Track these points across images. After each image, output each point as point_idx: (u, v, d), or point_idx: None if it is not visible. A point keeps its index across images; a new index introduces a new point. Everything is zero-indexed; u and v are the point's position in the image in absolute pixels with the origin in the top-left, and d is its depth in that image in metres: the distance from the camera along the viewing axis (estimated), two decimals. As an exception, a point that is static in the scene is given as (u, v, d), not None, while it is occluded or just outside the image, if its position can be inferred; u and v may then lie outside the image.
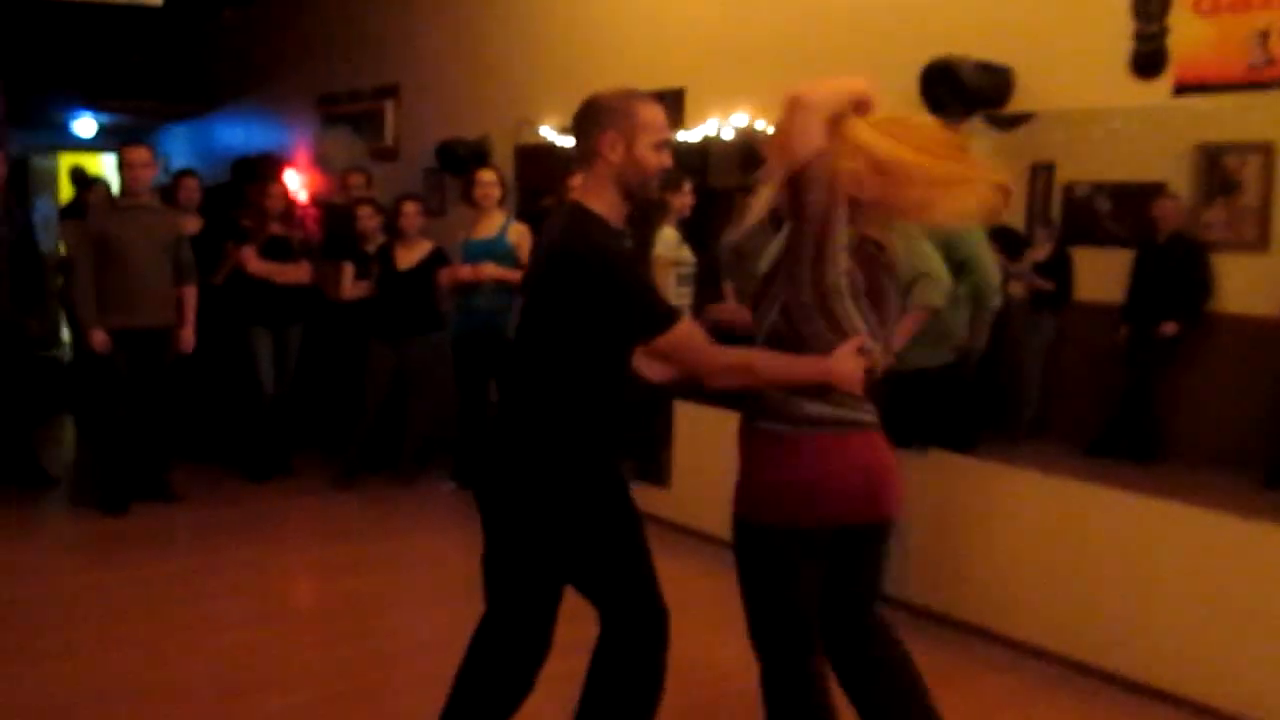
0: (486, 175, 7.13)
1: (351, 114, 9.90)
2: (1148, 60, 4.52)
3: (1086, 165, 5.05)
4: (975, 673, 4.72)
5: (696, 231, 6.22)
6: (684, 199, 6.19)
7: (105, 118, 13.64)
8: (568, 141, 7.24)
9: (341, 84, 10.00)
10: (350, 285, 7.48)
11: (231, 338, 7.40)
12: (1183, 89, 4.45)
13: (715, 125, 6.32)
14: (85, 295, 6.45)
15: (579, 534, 3.06)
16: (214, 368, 7.57)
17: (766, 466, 2.99)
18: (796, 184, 2.83)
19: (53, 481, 7.31)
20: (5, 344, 6.87)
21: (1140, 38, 4.54)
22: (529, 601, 3.17)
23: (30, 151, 13.56)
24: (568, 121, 7.21)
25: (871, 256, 3.03)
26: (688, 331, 2.98)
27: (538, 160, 7.68)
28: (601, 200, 3.03)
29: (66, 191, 12.94)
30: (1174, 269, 4.83)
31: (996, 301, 5.19)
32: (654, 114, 3.06)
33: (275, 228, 7.45)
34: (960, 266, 4.96)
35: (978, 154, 5.02)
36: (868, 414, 3.07)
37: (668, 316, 2.95)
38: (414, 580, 5.78)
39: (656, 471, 6.73)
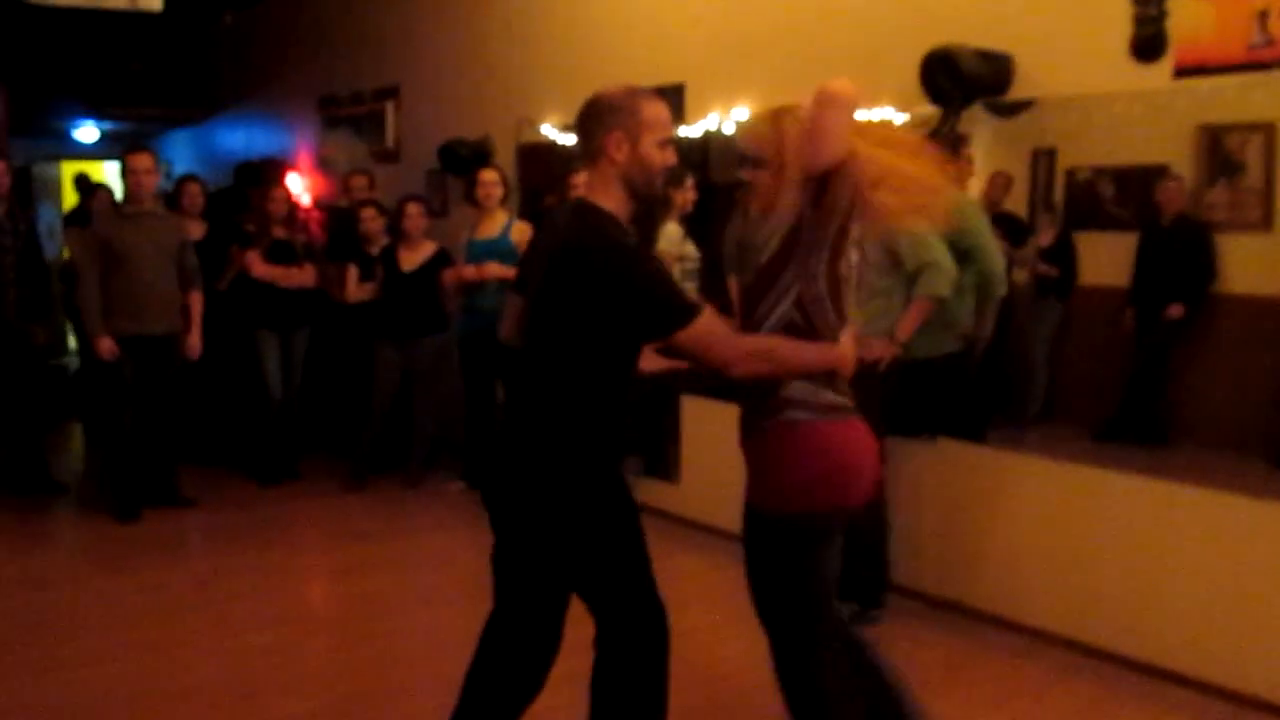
0: (488, 175, 7.14)
1: (353, 116, 9.90)
2: (1148, 44, 4.51)
3: (1088, 150, 5.03)
4: (988, 660, 4.72)
5: (698, 227, 6.22)
6: (686, 195, 6.19)
7: (107, 125, 13.66)
8: (569, 140, 7.26)
9: (342, 86, 10.00)
10: (355, 288, 7.49)
11: (238, 342, 7.41)
12: (1183, 72, 4.44)
13: (716, 120, 6.31)
14: (91, 303, 6.46)
15: (584, 536, 3.05)
16: (221, 372, 7.58)
17: (801, 456, 3.02)
18: (825, 179, 2.88)
19: (62, 489, 7.32)
20: (12, 353, 6.88)
21: (1140, 21, 4.53)
22: (538, 601, 3.18)
23: (33, 159, 13.58)
24: (569, 120, 7.28)
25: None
26: (711, 323, 2.96)
27: (539, 159, 7.68)
28: (609, 198, 3.03)
29: (70, 199, 12.95)
30: (1178, 251, 4.82)
31: (1002, 289, 5.18)
32: (659, 111, 3.05)
33: (279, 231, 7.46)
34: (965, 255, 4.96)
35: (975, 146, 5.08)
36: (853, 400, 3.15)
37: (691, 310, 2.94)
38: (424, 581, 5.79)
39: (664, 467, 6.73)
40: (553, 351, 3.04)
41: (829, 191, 2.90)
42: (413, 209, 7.31)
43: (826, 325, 3.01)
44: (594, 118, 3.05)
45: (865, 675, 3.40)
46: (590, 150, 3.05)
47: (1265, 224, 4.51)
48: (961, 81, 4.90)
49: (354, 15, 9.79)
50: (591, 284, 2.91)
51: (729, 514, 3.34)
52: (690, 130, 6.39)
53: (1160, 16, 4.47)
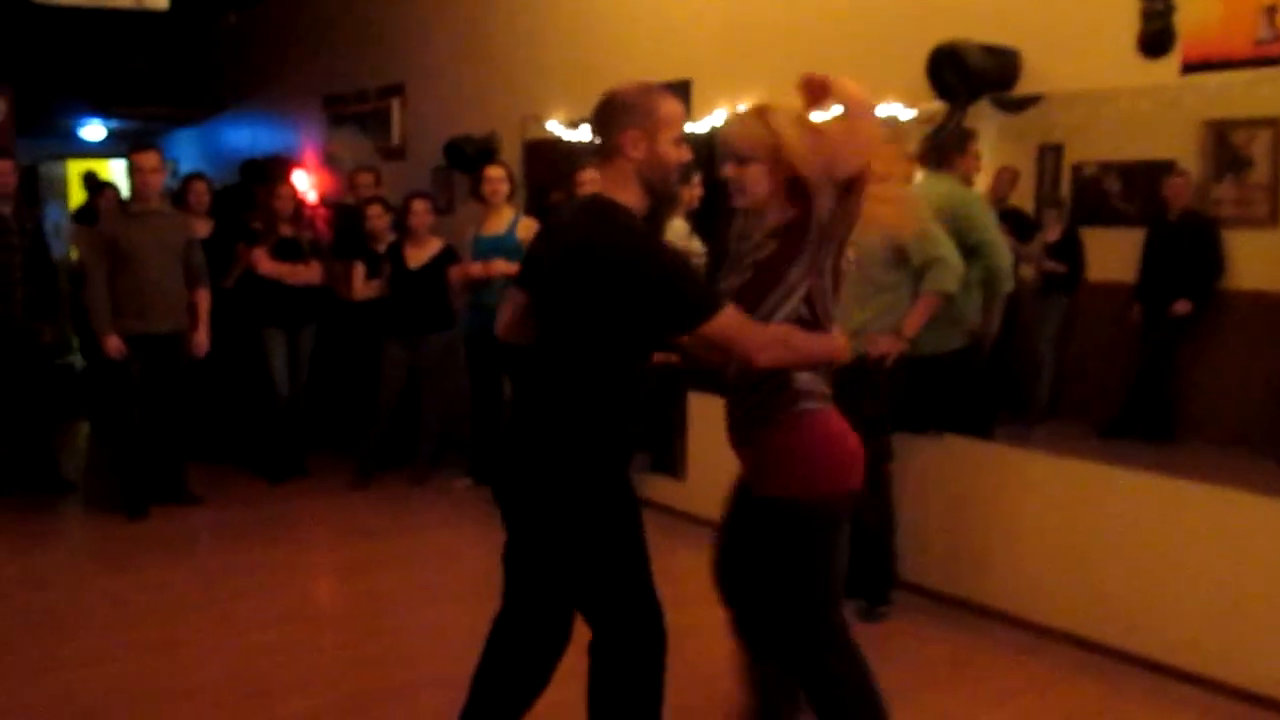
0: (494, 171, 7.14)
1: (358, 114, 9.90)
2: (1155, 39, 4.49)
3: (1095, 145, 5.03)
4: (994, 656, 4.72)
5: (704, 223, 6.22)
6: (693, 191, 6.19)
7: (113, 123, 13.67)
8: (575, 136, 7.26)
9: (347, 84, 10.00)
10: (361, 285, 7.49)
11: (244, 340, 7.42)
12: (1190, 67, 4.42)
13: (723, 116, 6.30)
14: (99, 301, 6.47)
15: (589, 534, 3.03)
16: (228, 370, 7.59)
17: (819, 443, 3.11)
18: (852, 182, 2.98)
19: (70, 487, 7.33)
20: (20, 351, 6.89)
21: (1147, 16, 4.52)
22: (549, 597, 3.18)
23: (39, 158, 13.59)
24: (574, 116, 7.28)
25: None
26: (735, 314, 2.98)
27: (545, 155, 7.67)
28: (626, 195, 3.03)
29: (78, 197, 12.97)
30: (1185, 247, 4.81)
31: (1009, 285, 5.18)
32: (674, 109, 3.07)
33: (285, 229, 7.47)
34: (972, 251, 4.95)
35: (982, 141, 5.09)
36: None
37: (716, 301, 2.96)
38: (431, 578, 5.79)
39: (671, 462, 6.73)
40: (569, 347, 3.04)
41: (853, 193, 2.99)
42: (419, 206, 7.32)
43: (828, 318, 3.09)
44: (610, 115, 3.05)
45: None
46: (606, 147, 3.05)
47: (1272, 219, 4.50)
48: (968, 77, 4.90)
49: (358, 12, 9.79)
50: (616, 279, 2.91)
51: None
52: (697, 127, 6.38)
53: (1167, 11, 4.45)
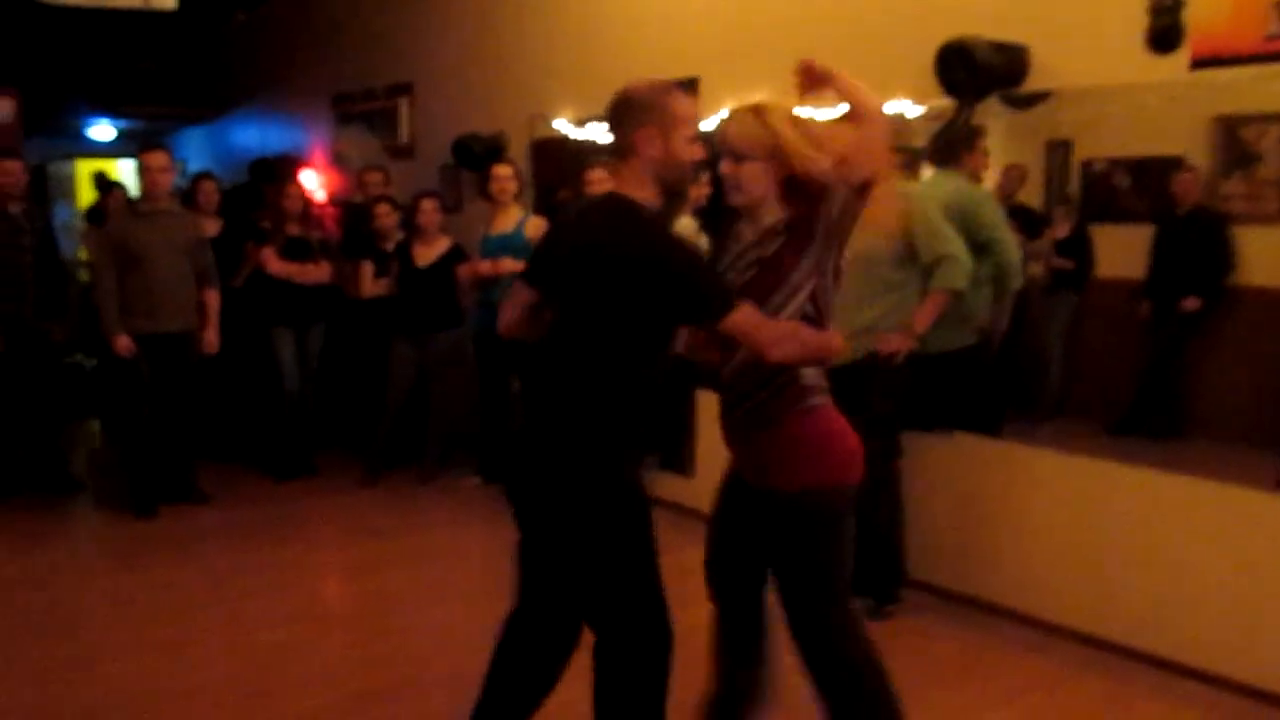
0: (502, 170, 7.14)
1: (366, 112, 9.92)
2: (1163, 34, 4.48)
3: (1104, 142, 5.02)
4: (1003, 654, 4.71)
5: (712, 220, 6.20)
6: (701, 189, 6.19)
7: (122, 123, 13.70)
8: (583, 135, 7.26)
9: (355, 83, 10.01)
10: (370, 283, 7.50)
11: (253, 339, 7.43)
12: (1200, 63, 4.41)
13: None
14: (108, 301, 6.48)
15: (601, 534, 3.03)
16: (237, 369, 7.60)
17: (827, 437, 3.16)
18: (864, 184, 3.07)
19: (79, 486, 7.34)
20: (30, 350, 6.91)
21: (1155, 12, 4.50)
22: (561, 595, 3.17)
23: (49, 158, 13.62)
24: (582, 115, 7.28)
25: None
26: (751, 309, 3.00)
27: (553, 154, 7.68)
28: (640, 192, 3.04)
29: (87, 196, 13.00)
30: (1195, 243, 4.80)
31: (1018, 282, 5.17)
32: (688, 107, 3.09)
33: (294, 228, 7.47)
34: (981, 248, 4.95)
35: (991, 138, 5.09)
36: None
37: (733, 297, 2.99)
38: (439, 576, 5.80)
39: (680, 461, 6.73)
40: (586, 343, 3.04)
41: (863, 195, 3.07)
42: (427, 205, 7.32)
43: (829, 316, 3.15)
44: (626, 113, 3.05)
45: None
46: (622, 145, 3.06)
47: (1282, 215, 4.49)
48: (976, 73, 4.89)
49: (366, 12, 9.79)
50: (638, 274, 2.93)
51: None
52: (705, 125, 6.37)
53: (1176, 7, 4.44)
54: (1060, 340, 5.46)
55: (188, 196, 7.94)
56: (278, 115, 11.64)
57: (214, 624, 5.09)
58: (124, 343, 6.45)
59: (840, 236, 3.11)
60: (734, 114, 3.19)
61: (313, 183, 10.11)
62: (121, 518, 6.66)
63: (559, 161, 7.55)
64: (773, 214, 3.17)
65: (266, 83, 11.72)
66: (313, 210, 8.09)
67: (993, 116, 5.16)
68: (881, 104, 3.14)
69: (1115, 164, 5.03)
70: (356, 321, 7.69)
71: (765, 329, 3.01)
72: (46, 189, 13.11)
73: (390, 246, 7.53)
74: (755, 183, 3.15)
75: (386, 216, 7.61)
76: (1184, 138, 4.74)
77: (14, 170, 6.82)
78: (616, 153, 3.09)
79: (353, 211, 8.58)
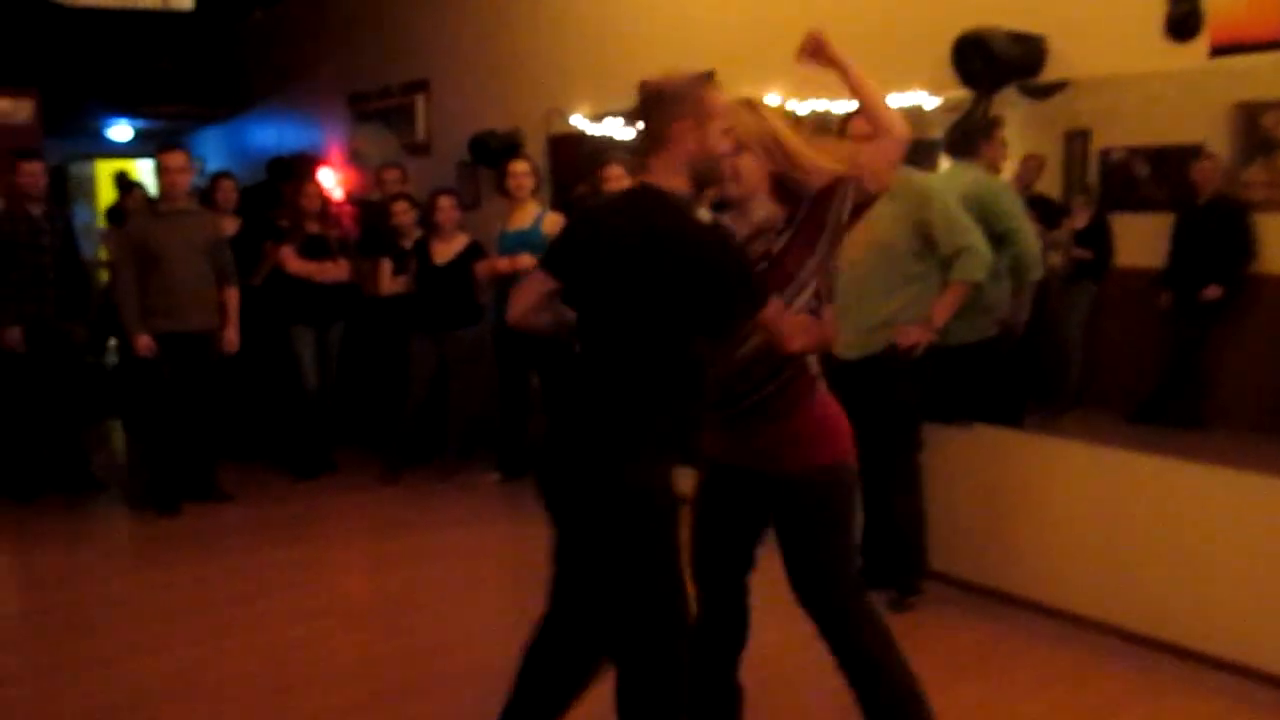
0: (519, 166, 7.14)
1: (383, 110, 9.93)
2: (1182, 22, 4.45)
3: (1123, 130, 4.99)
4: (1028, 646, 4.70)
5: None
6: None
7: (140, 123, 13.75)
8: (599, 130, 7.25)
9: (372, 81, 10.03)
10: (388, 281, 7.51)
11: (273, 337, 7.45)
12: (1219, 50, 4.38)
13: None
14: (129, 301, 6.51)
15: (634, 532, 2.99)
16: (257, 368, 7.62)
17: (832, 417, 3.30)
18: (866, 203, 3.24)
19: (101, 486, 7.38)
20: (52, 351, 6.94)
21: (1174, 0, 4.48)
22: (596, 596, 3.16)
23: (68, 159, 13.68)
24: (599, 110, 7.27)
25: None
26: (776, 302, 3.08)
27: (570, 150, 7.68)
28: (674, 184, 3.04)
29: (107, 196, 13.04)
30: (1215, 231, 4.78)
31: (1038, 273, 5.16)
32: (721, 99, 3.09)
33: (312, 226, 7.49)
34: (1000, 239, 4.93)
35: (1009, 129, 5.07)
36: None
37: (766, 290, 3.06)
38: (461, 572, 5.81)
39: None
40: (629, 338, 3.01)
41: (868, 204, 3.22)
42: (444, 202, 7.33)
43: (826, 305, 3.27)
44: (660, 105, 3.05)
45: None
46: (656, 138, 3.05)
47: (1304, 203, 4.47)
48: (994, 64, 4.88)
49: (382, 9, 9.81)
50: (689, 267, 2.94)
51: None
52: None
53: (1195, -6, 4.42)
54: (1080, 330, 5.43)
55: (206, 196, 7.96)
56: (295, 114, 11.67)
57: (237, 621, 5.11)
58: (145, 342, 6.48)
59: (843, 235, 3.23)
60: (729, 105, 3.21)
61: (330, 181, 10.13)
62: (144, 517, 6.70)
63: (576, 157, 7.55)
64: (763, 208, 3.25)
65: (283, 81, 11.75)
66: (331, 208, 8.11)
67: (1010, 107, 5.14)
68: (901, 121, 3.23)
69: (1134, 153, 5.00)
70: (375, 319, 7.71)
71: (787, 322, 3.09)
72: (66, 190, 13.15)
73: (408, 244, 7.54)
74: (750, 174, 3.23)
75: (404, 214, 7.62)
76: (1203, 125, 4.71)
77: (34, 171, 6.86)
78: (649, 144, 3.07)
79: (370, 209, 8.60)
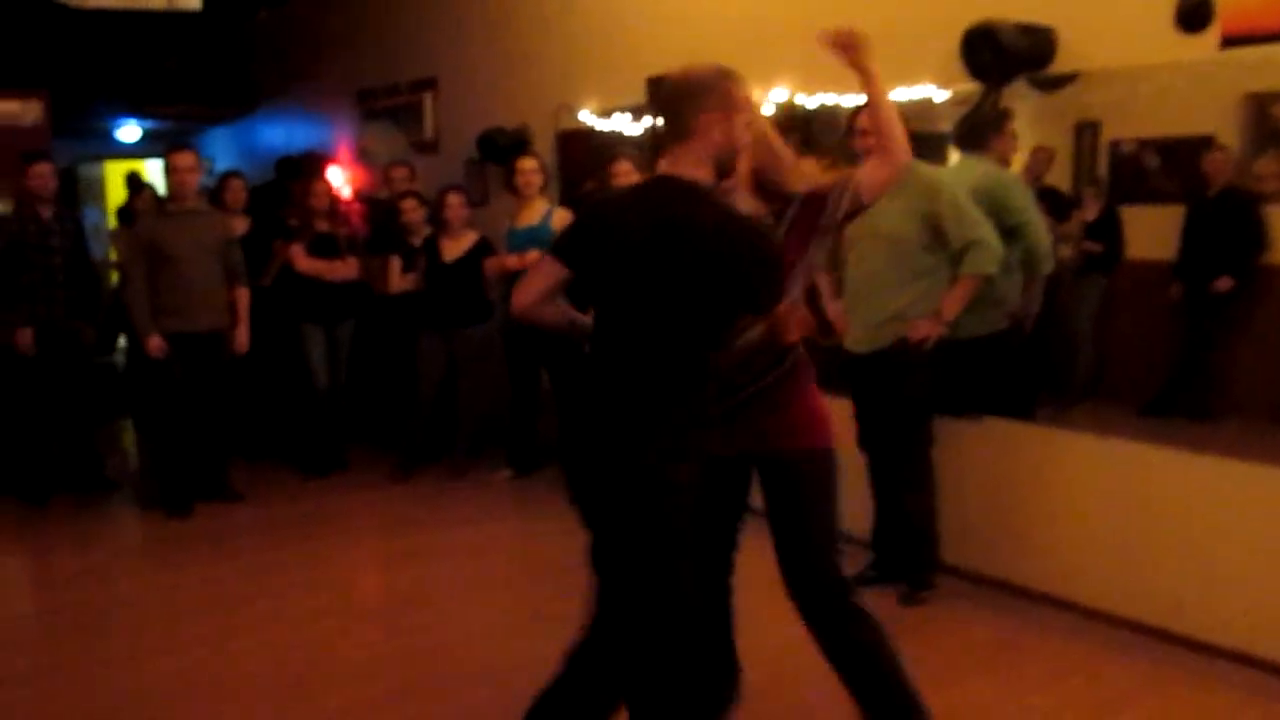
0: (527, 163, 7.14)
1: (391, 108, 9.94)
2: (1193, 13, 4.43)
3: (1133, 122, 4.98)
4: (1042, 639, 4.69)
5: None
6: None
7: (148, 123, 13.76)
8: (607, 126, 7.25)
9: (379, 79, 10.04)
10: (398, 279, 7.51)
11: (283, 336, 7.46)
12: (1230, 41, 4.36)
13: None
14: (139, 302, 6.52)
15: (643, 518, 2.99)
16: (267, 367, 7.63)
17: (820, 402, 3.45)
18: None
19: (113, 486, 7.39)
20: (62, 352, 6.95)
21: (1185, -9, 4.47)
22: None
23: (77, 160, 13.70)
24: (607, 106, 7.26)
25: None
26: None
27: (578, 146, 7.68)
28: (699, 175, 3.03)
29: (117, 197, 13.07)
30: (1226, 223, 4.76)
31: (1048, 266, 5.14)
32: (745, 91, 3.09)
33: (321, 225, 7.50)
34: (1010, 232, 4.92)
35: (1018, 121, 5.07)
36: None
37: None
38: (473, 570, 5.80)
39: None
40: (656, 326, 3.00)
41: (857, 212, 3.39)
42: (453, 199, 7.33)
43: (832, 303, 3.54)
44: (687, 97, 3.04)
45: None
46: (682, 129, 3.03)
47: (1315, 194, 4.45)
48: (1003, 56, 4.86)
49: (389, 7, 9.81)
50: (714, 257, 2.92)
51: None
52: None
53: (1206, -15, 4.40)
54: (1091, 323, 5.42)
55: (215, 195, 7.96)
56: (303, 112, 11.68)
57: (250, 620, 5.12)
58: (156, 343, 6.48)
59: (831, 238, 3.45)
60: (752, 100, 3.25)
61: (339, 179, 10.14)
62: (156, 516, 6.70)
63: (584, 154, 7.55)
64: (745, 203, 3.28)
65: (291, 80, 11.76)
66: (339, 207, 8.12)
67: (1020, 99, 5.13)
68: (906, 149, 3.35)
69: (1144, 145, 4.99)
70: (385, 317, 7.71)
71: (791, 312, 3.23)
72: (76, 191, 13.18)
73: (417, 241, 7.54)
74: (740, 168, 3.23)
75: (413, 211, 7.62)
76: (1214, 117, 4.70)
77: (44, 173, 6.87)
78: (673, 135, 3.06)
79: (379, 207, 8.60)
